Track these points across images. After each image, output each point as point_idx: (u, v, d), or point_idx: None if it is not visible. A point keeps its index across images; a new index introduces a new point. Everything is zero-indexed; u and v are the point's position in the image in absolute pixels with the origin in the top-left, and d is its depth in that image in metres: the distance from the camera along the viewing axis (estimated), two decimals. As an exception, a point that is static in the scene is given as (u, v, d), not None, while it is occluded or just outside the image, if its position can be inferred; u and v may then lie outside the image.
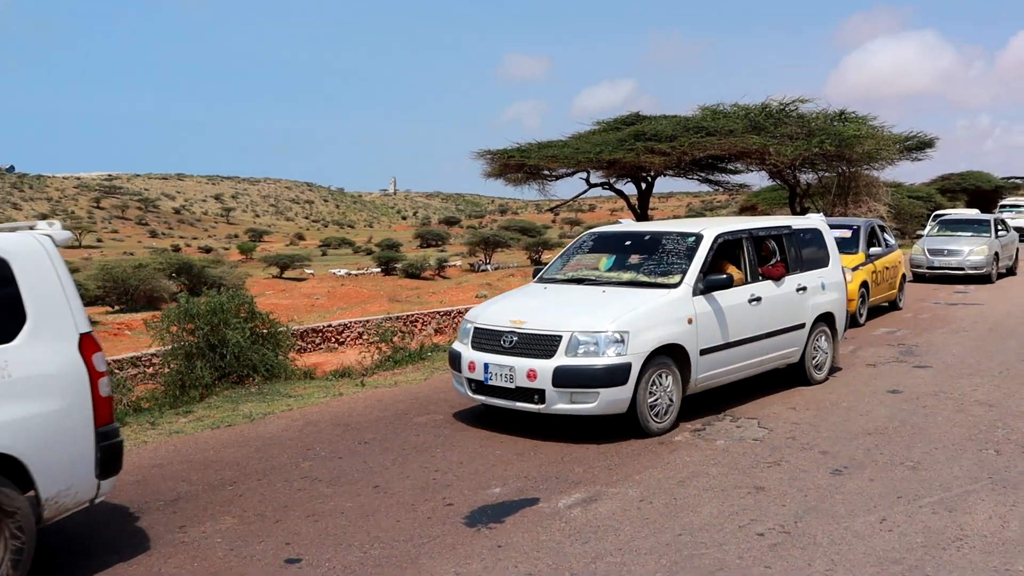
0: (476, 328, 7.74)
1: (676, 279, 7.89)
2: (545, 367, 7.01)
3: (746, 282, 8.55)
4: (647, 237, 8.80)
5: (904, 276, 16.28)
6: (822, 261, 9.71)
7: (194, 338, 10.48)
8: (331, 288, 41.74)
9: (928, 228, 24.29)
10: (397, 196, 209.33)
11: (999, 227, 22.85)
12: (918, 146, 32.19)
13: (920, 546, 4.91)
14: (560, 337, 7.09)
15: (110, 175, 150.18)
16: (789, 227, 9.44)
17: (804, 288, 9.18)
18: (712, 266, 8.32)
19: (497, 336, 7.46)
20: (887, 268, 15.02)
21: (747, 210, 56.36)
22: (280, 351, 11.21)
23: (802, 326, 9.15)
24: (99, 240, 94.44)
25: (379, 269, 52.90)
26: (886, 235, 15.97)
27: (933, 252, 21.38)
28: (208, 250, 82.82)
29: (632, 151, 24.37)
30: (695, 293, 7.82)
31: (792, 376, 9.39)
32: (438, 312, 25.25)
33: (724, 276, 8.07)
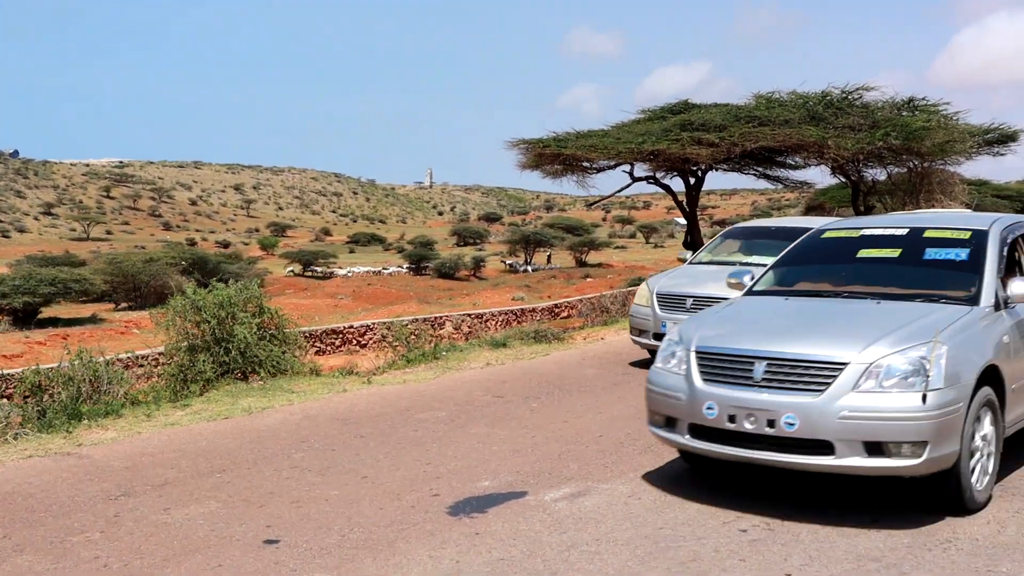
0: None
1: None
2: None
3: None
4: None
5: None
6: None
7: (200, 332, 11.16)
8: (357, 288, 42.59)
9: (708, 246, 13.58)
10: (433, 189, 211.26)
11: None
12: (1000, 139, 31.95)
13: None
14: None
15: (121, 162, 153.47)
16: None
17: None
18: None
19: None
20: None
21: (814, 209, 56.22)
22: (288, 348, 11.87)
23: None
24: (108, 232, 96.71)
25: (406, 268, 53.86)
26: None
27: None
28: (226, 245, 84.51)
29: (677, 142, 24.63)
30: None
31: None
32: (468, 315, 25.86)
33: None
